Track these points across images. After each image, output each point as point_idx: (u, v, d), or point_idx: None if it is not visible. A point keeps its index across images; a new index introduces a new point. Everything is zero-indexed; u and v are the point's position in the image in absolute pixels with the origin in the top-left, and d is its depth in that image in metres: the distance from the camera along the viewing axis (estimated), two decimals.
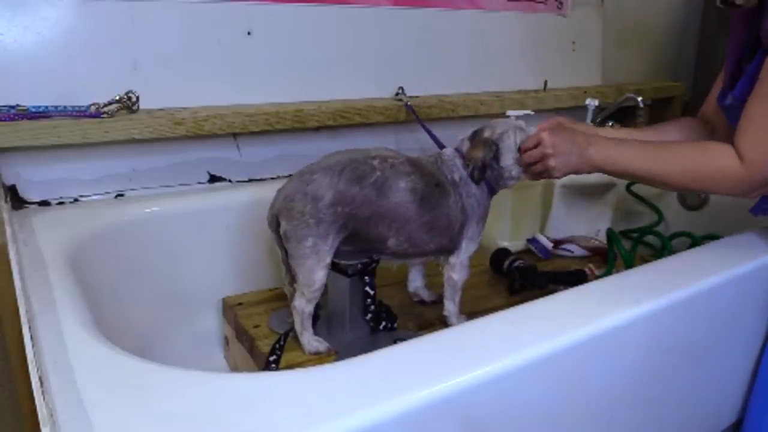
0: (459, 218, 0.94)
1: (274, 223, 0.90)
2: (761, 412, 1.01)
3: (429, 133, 1.28)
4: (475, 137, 0.98)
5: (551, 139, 0.94)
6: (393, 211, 0.89)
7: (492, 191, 1.00)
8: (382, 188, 0.88)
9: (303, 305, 0.89)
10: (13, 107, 1.01)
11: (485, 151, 0.95)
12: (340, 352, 0.91)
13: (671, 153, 0.93)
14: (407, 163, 0.92)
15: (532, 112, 1.41)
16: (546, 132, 0.95)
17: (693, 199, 1.47)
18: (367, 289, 0.95)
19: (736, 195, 0.90)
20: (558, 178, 0.97)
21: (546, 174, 0.97)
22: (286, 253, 0.91)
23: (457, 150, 0.99)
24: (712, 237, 1.26)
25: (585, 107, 1.46)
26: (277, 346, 0.90)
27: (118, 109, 1.08)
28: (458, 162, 0.97)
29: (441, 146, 1.23)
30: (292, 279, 0.94)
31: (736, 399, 1.06)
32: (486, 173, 0.96)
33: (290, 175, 0.93)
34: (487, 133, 0.98)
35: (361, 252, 0.93)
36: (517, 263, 1.17)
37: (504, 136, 0.97)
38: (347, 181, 0.86)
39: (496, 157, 0.97)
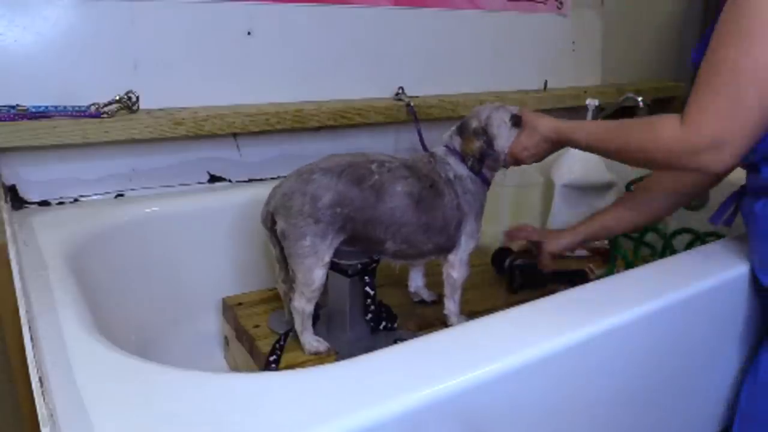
0: (455, 216, 0.95)
1: (269, 220, 0.90)
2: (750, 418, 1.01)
3: (420, 137, 1.30)
4: (463, 130, 0.99)
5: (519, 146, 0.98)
6: (389, 214, 0.89)
7: (487, 183, 1.00)
8: (380, 192, 0.88)
9: (303, 305, 0.89)
10: (13, 107, 1.01)
11: (479, 141, 0.96)
12: (340, 352, 0.91)
13: (624, 126, 0.89)
14: (403, 167, 0.92)
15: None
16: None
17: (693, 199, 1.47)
18: (367, 289, 0.95)
19: (680, 165, 0.82)
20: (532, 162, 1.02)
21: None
22: (280, 250, 0.91)
23: (448, 147, 0.99)
24: (716, 236, 1.26)
25: (585, 107, 1.46)
26: (277, 346, 0.90)
27: (118, 109, 1.08)
28: (451, 159, 0.97)
29: (426, 150, 1.25)
30: (286, 276, 0.94)
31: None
32: (484, 161, 0.97)
33: None
34: (474, 123, 0.98)
35: (360, 252, 0.93)
36: (517, 262, 1.17)
37: (491, 120, 0.98)
38: (347, 183, 0.86)
39: (490, 143, 0.97)
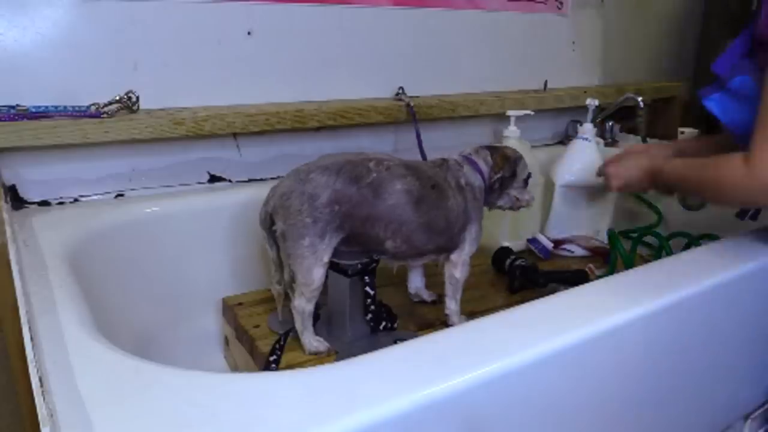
0: (460, 219, 0.95)
1: (268, 221, 0.90)
2: None
3: (418, 139, 1.31)
4: (495, 150, 1.03)
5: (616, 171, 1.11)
6: (389, 212, 0.89)
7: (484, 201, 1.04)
8: (378, 190, 0.88)
9: (303, 305, 0.89)
10: (13, 107, 1.01)
11: (510, 167, 1.02)
12: (340, 352, 0.91)
13: (697, 166, 0.96)
14: (402, 165, 0.92)
15: (532, 112, 1.41)
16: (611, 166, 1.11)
17: (693, 198, 1.47)
18: (367, 289, 0.95)
19: (750, 202, 0.88)
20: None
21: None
22: (277, 251, 0.91)
23: (465, 157, 1.01)
24: (710, 237, 1.27)
25: (585, 107, 1.46)
26: (277, 346, 0.90)
27: (118, 109, 1.08)
28: (466, 168, 0.99)
29: (424, 157, 1.30)
30: (281, 278, 0.94)
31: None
32: (503, 185, 1.03)
33: None
34: (509, 153, 1.04)
35: (360, 253, 0.93)
36: (518, 262, 1.17)
37: (520, 161, 1.05)
38: (344, 181, 0.86)
39: (513, 174, 1.03)
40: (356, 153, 0.93)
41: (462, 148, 1.05)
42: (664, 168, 1.01)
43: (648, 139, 1.53)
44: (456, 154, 1.02)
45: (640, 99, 1.52)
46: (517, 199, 1.05)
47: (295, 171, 0.89)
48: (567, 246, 1.35)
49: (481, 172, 1.00)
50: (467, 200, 0.96)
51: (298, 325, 0.91)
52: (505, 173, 1.01)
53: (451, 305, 0.99)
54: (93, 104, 1.07)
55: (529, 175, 1.06)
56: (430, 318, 1.04)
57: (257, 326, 1.01)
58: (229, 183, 1.25)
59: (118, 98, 1.08)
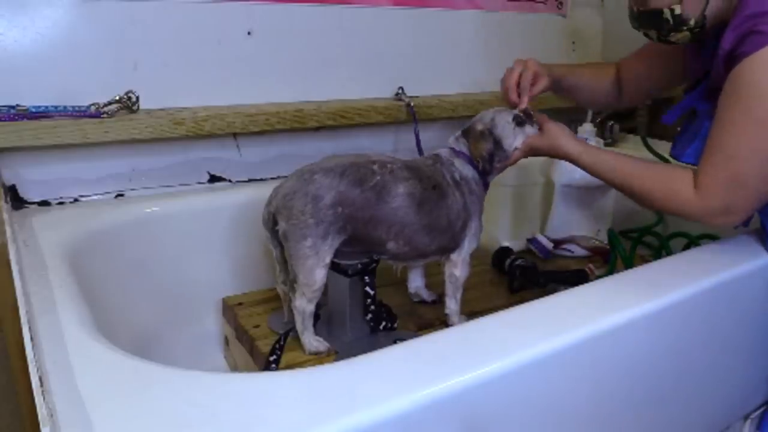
0: (461, 216, 0.95)
1: (271, 222, 0.90)
2: None
3: (417, 138, 1.32)
4: (469, 134, 1.00)
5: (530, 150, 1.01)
6: (391, 215, 0.89)
7: (486, 186, 1.01)
8: (381, 193, 0.88)
9: (304, 305, 0.89)
10: (13, 107, 1.01)
11: (487, 143, 0.98)
12: (340, 352, 0.91)
13: (638, 168, 0.94)
14: (405, 168, 0.92)
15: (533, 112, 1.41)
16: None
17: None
18: (367, 289, 0.95)
19: (693, 220, 0.90)
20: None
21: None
22: (280, 251, 0.91)
23: (453, 150, 0.99)
24: (709, 237, 1.27)
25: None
26: (277, 346, 0.90)
27: (118, 109, 1.08)
28: (456, 161, 0.98)
29: (421, 153, 1.29)
30: (286, 278, 0.94)
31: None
32: (494, 162, 0.98)
33: None
34: (479, 126, 1.00)
35: (360, 253, 0.93)
36: (518, 262, 1.17)
37: (494, 122, 1.00)
38: (348, 183, 0.86)
39: (498, 143, 0.99)
40: (359, 154, 0.93)
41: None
42: (596, 163, 0.96)
43: (647, 138, 1.52)
44: (445, 149, 1.00)
45: None
46: (521, 144, 1.00)
47: (299, 171, 0.89)
48: (567, 246, 1.35)
49: (471, 163, 0.99)
50: (465, 195, 0.96)
51: (298, 325, 0.91)
52: (488, 151, 0.97)
53: (451, 305, 0.99)
54: (93, 104, 1.07)
55: (516, 118, 0.99)
56: (430, 318, 1.04)
57: (257, 326, 1.01)
58: (229, 183, 1.25)
59: (118, 98, 1.08)
